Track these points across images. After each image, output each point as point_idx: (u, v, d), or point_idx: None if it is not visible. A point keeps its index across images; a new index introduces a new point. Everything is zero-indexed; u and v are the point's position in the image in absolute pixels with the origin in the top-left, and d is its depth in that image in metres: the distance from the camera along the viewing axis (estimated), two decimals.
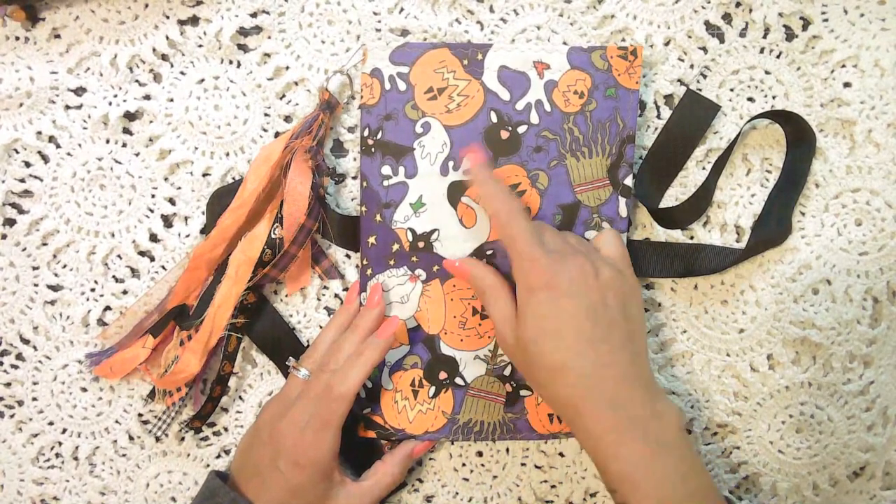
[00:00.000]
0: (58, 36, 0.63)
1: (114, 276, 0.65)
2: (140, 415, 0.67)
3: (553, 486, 0.68)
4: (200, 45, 0.63)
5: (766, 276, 0.64)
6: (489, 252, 0.62)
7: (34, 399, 0.66)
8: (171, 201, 0.65)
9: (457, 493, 0.68)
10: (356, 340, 0.60)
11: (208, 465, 0.67)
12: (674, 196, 0.64)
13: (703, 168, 0.64)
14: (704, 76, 0.64)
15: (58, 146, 0.64)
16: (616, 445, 0.52)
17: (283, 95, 0.64)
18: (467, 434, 0.64)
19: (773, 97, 0.63)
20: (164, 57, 0.64)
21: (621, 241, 0.61)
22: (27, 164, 0.64)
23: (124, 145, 0.64)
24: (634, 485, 0.52)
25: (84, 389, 0.66)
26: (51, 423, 0.67)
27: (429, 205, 0.61)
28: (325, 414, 0.57)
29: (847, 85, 0.63)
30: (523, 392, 0.64)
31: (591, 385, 0.53)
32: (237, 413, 0.67)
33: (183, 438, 0.67)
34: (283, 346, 0.65)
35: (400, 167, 0.61)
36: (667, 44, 0.63)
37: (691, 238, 0.65)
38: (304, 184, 0.60)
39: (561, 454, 0.68)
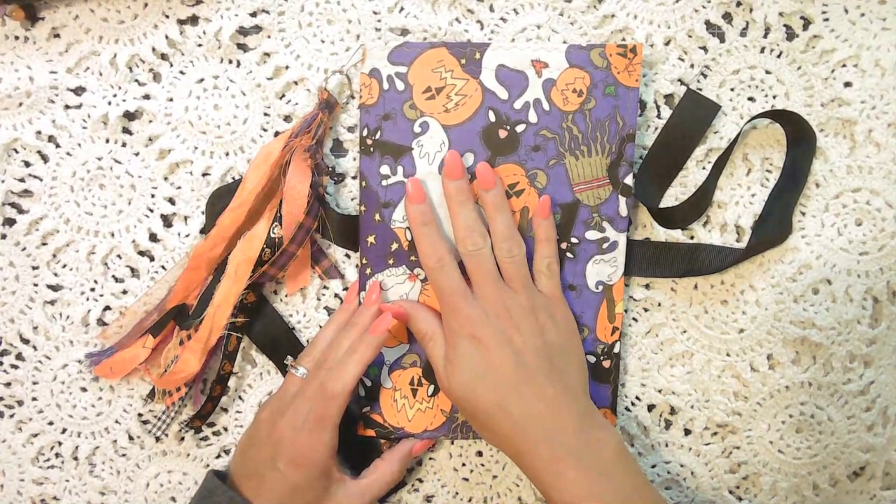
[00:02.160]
0: (57, 35, 0.63)
1: (113, 276, 0.65)
2: (140, 415, 0.67)
3: None
4: (200, 45, 0.63)
5: (766, 276, 0.64)
6: None
7: (34, 399, 0.66)
8: (171, 201, 0.65)
9: (457, 493, 0.68)
10: (353, 338, 0.60)
11: (208, 465, 0.67)
12: (674, 196, 0.64)
13: (703, 168, 0.64)
14: (705, 76, 0.64)
15: (57, 146, 0.64)
16: (555, 476, 0.54)
17: (283, 95, 0.64)
18: (466, 432, 0.64)
19: (774, 97, 0.63)
20: (163, 56, 0.64)
21: (556, 275, 0.62)
22: (27, 164, 0.64)
23: (124, 145, 0.64)
24: None
25: (84, 389, 0.66)
26: (51, 423, 0.67)
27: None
28: (321, 412, 0.57)
29: (847, 84, 0.63)
30: None
31: (524, 423, 0.55)
32: (237, 413, 0.67)
33: (183, 438, 0.67)
34: (283, 346, 0.65)
35: (398, 167, 0.61)
36: (667, 43, 0.63)
37: (691, 238, 0.64)
38: (303, 183, 0.60)
39: None
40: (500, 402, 0.56)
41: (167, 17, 0.63)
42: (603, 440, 0.56)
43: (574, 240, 0.62)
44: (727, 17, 0.63)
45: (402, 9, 0.63)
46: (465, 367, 0.57)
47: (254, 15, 0.63)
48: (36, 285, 0.65)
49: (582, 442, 0.55)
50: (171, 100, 0.64)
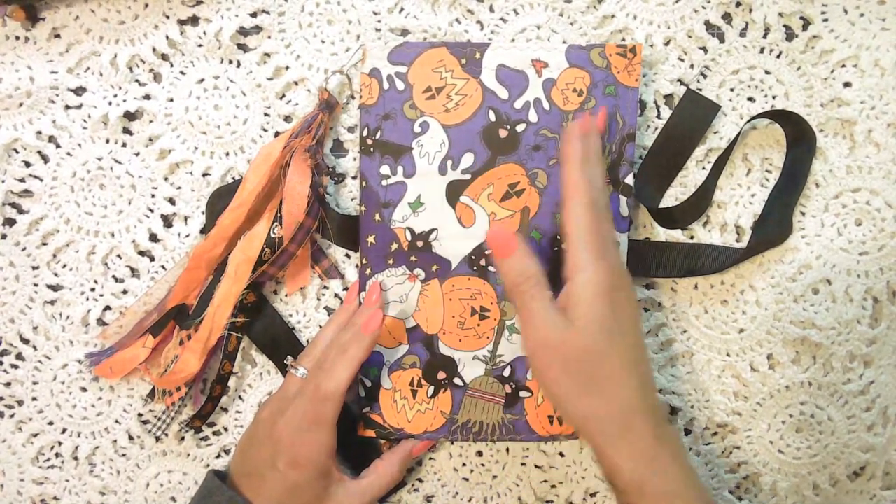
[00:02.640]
0: (58, 36, 0.63)
1: (114, 276, 0.65)
2: (140, 415, 0.67)
3: (553, 486, 0.68)
4: (200, 45, 0.63)
5: (766, 276, 0.64)
6: (488, 252, 0.62)
7: (34, 399, 0.66)
8: (171, 201, 0.65)
9: (457, 493, 0.68)
10: (348, 338, 0.60)
11: (208, 465, 0.67)
12: (674, 196, 0.64)
13: (703, 168, 0.64)
14: (704, 76, 0.64)
15: (58, 146, 0.64)
16: (653, 457, 0.52)
17: (283, 95, 0.64)
18: (466, 434, 0.64)
19: (773, 97, 0.63)
20: (164, 57, 0.64)
21: None
22: (27, 164, 0.64)
23: (124, 145, 0.64)
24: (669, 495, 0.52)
25: (84, 389, 0.66)
26: (51, 423, 0.67)
27: (427, 204, 0.61)
28: (317, 413, 0.57)
29: (847, 85, 0.63)
30: (523, 394, 0.63)
31: (646, 393, 0.52)
32: (237, 413, 0.67)
33: (183, 438, 0.67)
34: (283, 346, 0.65)
35: (398, 167, 0.61)
36: (667, 44, 0.63)
37: (691, 238, 0.64)
38: (303, 183, 0.60)
39: (561, 454, 0.67)
40: (635, 362, 0.52)
41: (167, 17, 0.63)
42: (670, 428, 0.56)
43: None
44: (727, 17, 0.63)
45: (402, 9, 0.63)
46: (604, 315, 0.51)
47: (254, 15, 0.63)
48: (36, 285, 0.65)
49: (665, 417, 0.56)
50: (171, 100, 0.64)
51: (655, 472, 0.51)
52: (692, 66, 0.63)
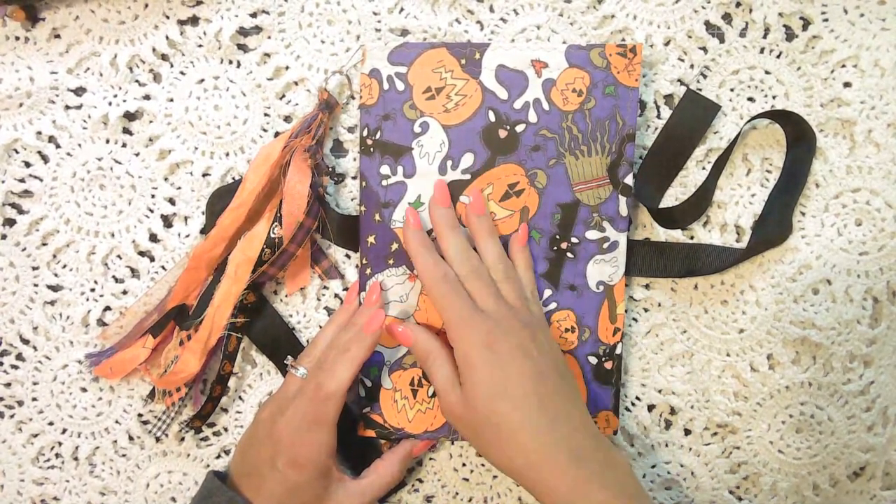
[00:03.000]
0: (58, 36, 0.63)
1: (114, 276, 0.65)
2: (140, 415, 0.67)
3: None
4: (200, 45, 0.63)
5: (766, 276, 0.64)
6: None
7: (34, 399, 0.66)
8: (171, 201, 0.65)
9: (457, 493, 0.68)
10: (349, 338, 0.60)
11: (208, 465, 0.67)
12: (674, 196, 0.64)
13: (703, 168, 0.64)
14: (704, 76, 0.64)
15: (58, 146, 0.64)
16: (583, 497, 0.52)
17: (283, 95, 0.64)
18: None
19: (773, 97, 0.63)
20: (164, 57, 0.64)
21: (538, 300, 0.62)
22: (27, 164, 0.64)
23: (124, 145, 0.64)
24: None
25: (84, 389, 0.66)
26: (51, 423, 0.67)
27: (427, 204, 0.61)
28: (317, 413, 0.57)
29: (847, 85, 0.63)
30: None
31: (549, 441, 0.53)
32: (237, 413, 0.67)
33: (183, 438, 0.67)
34: (283, 346, 0.65)
35: (398, 167, 0.61)
36: (667, 44, 0.63)
37: (691, 238, 0.64)
38: (303, 183, 0.60)
39: None
40: (524, 419, 0.53)
41: (167, 17, 0.63)
42: (619, 460, 0.55)
43: (574, 240, 0.62)
44: (727, 17, 0.63)
45: (402, 9, 0.63)
46: (485, 380, 0.54)
47: (254, 16, 0.63)
48: (36, 285, 0.65)
49: (603, 461, 0.54)
50: (171, 100, 0.64)
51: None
52: (692, 66, 0.63)
